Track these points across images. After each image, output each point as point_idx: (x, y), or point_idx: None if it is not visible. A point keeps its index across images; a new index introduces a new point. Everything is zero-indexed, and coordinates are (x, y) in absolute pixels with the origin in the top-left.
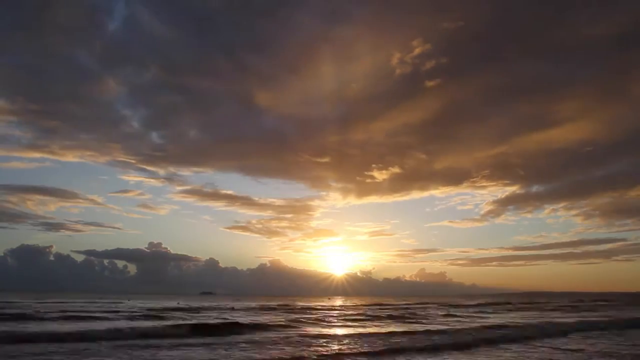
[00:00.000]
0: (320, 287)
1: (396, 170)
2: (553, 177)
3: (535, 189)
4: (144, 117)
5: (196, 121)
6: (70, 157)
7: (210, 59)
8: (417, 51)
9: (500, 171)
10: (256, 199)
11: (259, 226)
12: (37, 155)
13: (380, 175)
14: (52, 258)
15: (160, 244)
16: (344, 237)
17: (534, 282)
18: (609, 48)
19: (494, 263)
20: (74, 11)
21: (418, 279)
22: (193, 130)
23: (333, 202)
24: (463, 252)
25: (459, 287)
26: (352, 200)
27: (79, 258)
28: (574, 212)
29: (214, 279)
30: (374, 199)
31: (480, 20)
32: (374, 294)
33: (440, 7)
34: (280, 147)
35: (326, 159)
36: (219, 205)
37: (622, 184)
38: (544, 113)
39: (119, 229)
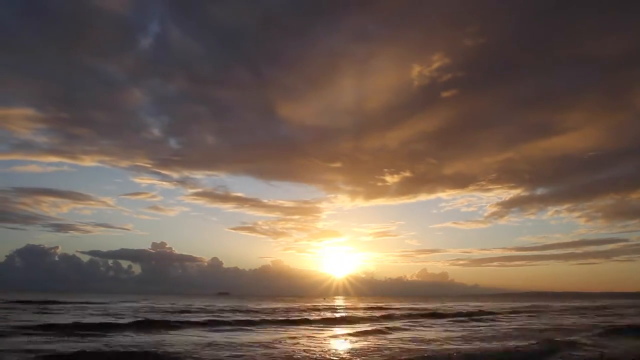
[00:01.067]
0: (321, 287)
1: (407, 174)
2: (557, 180)
3: (539, 191)
4: (165, 125)
5: (214, 128)
6: (89, 162)
7: (234, 72)
8: (436, 65)
9: (506, 175)
10: (265, 201)
11: (266, 227)
12: (55, 159)
13: (391, 179)
14: (57, 258)
15: (164, 244)
16: (348, 238)
17: (536, 282)
18: (614, 65)
19: (495, 263)
20: (109, 29)
21: (420, 279)
22: (210, 136)
23: (341, 204)
24: (466, 252)
25: (460, 287)
26: (360, 203)
27: (85, 258)
28: (576, 213)
29: (217, 279)
30: (381, 201)
31: (496, 38)
32: (376, 295)
33: (462, 26)
34: (293, 152)
35: (338, 164)
36: (227, 207)
37: (624, 186)
38: (550, 122)
39: (127, 230)
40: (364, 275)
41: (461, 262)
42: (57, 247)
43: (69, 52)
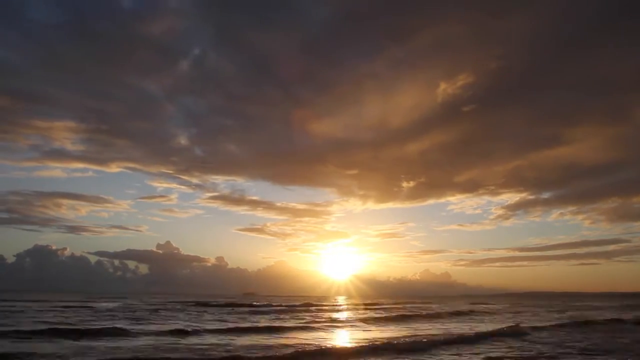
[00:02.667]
0: (323, 287)
1: (422, 180)
2: (562, 184)
3: (545, 195)
4: (193, 135)
5: (239, 139)
6: (114, 168)
7: (264, 90)
8: (460, 83)
9: (514, 180)
10: (278, 203)
11: (274, 229)
12: (81, 165)
13: (406, 185)
14: (64, 259)
15: (170, 244)
16: (354, 239)
17: (539, 283)
18: (618, 87)
19: (497, 264)
20: (152, 52)
21: (423, 280)
22: (234, 145)
23: (352, 207)
24: (469, 253)
25: (463, 287)
26: (371, 206)
27: (93, 259)
28: (581, 216)
29: (222, 279)
30: (391, 205)
31: (516, 61)
32: (379, 295)
33: (488, 49)
34: (311, 160)
35: (354, 171)
36: (240, 210)
37: (627, 190)
38: (558, 134)
39: (140, 231)
40: (367, 275)
41: (464, 262)
42: (65, 248)
43: (114, 71)
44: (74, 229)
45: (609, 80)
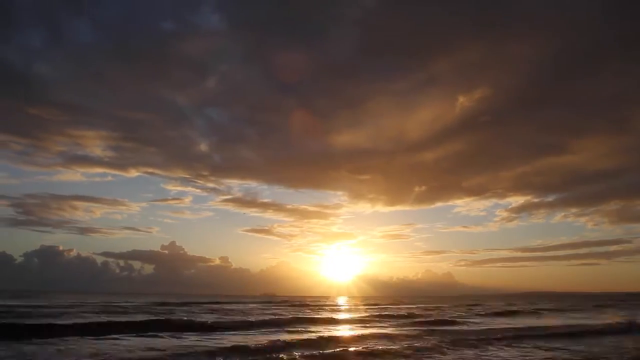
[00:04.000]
0: (325, 287)
1: (433, 184)
2: (567, 189)
3: (549, 198)
4: (213, 143)
5: (257, 145)
6: (133, 173)
7: (286, 102)
8: (478, 96)
9: (520, 184)
10: (288, 205)
11: (281, 230)
12: (100, 170)
13: (418, 189)
14: (70, 259)
15: (175, 245)
16: (360, 240)
17: (539, 283)
18: (621, 101)
19: (499, 264)
20: (185, 69)
21: (424, 279)
22: (251, 152)
23: (361, 209)
24: (471, 253)
25: (464, 287)
26: (380, 208)
27: (100, 259)
28: (583, 218)
29: (226, 279)
30: (400, 207)
31: (528, 77)
32: (382, 295)
33: (503, 68)
34: (325, 165)
35: (367, 176)
36: (250, 211)
37: (629, 193)
38: (564, 144)
39: (149, 232)
40: (370, 276)
41: (466, 262)
42: (71, 249)
43: (149, 86)
44: (85, 230)
45: (613, 95)
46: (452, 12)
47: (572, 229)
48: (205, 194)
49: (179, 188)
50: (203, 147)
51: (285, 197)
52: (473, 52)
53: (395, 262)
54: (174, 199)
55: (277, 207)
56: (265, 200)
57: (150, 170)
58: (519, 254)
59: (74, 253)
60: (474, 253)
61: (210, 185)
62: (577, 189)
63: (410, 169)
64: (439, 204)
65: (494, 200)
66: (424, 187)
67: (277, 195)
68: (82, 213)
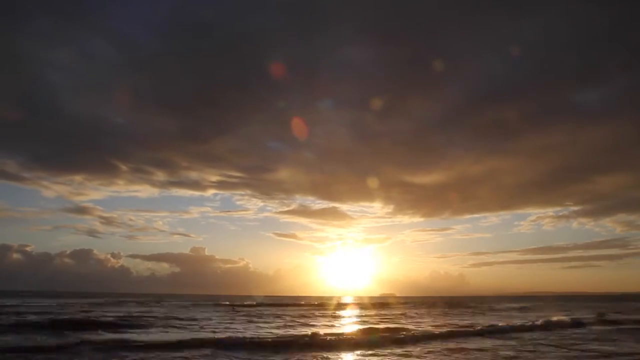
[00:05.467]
0: (332, 287)
1: (473, 203)
2: (586, 202)
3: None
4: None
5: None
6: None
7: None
8: None
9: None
10: (320, 210)
11: (307, 234)
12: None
13: (459, 205)
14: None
15: (203, 248)
16: (382, 245)
17: (537, 284)
18: None
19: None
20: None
21: (437, 281)
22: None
23: (395, 219)
24: (481, 255)
25: (471, 288)
26: (416, 219)
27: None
28: (596, 222)
29: (246, 280)
30: (436, 219)
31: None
32: (386, 294)
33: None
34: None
35: (412, 196)
36: (284, 218)
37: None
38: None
39: (190, 237)
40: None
41: (476, 263)
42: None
43: (203, 84)
44: (131, 237)
45: None
46: None
47: (574, 230)
48: (261, 203)
49: (242, 202)
50: (282, 174)
51: (327, 206)
52: None
53: (408, 263)
54: (241, 210)
55: (307, 212)
56: (315, 208)
57: (221, 192)
58: (532, 256)
59: (103, 256)
60: (483, 254)
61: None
62: (595, 203)
63: (458, 190)
64: (467, 216)
65: (516, 212)
66: (464, 204)
67: (321, 204)
68: (142, 222)
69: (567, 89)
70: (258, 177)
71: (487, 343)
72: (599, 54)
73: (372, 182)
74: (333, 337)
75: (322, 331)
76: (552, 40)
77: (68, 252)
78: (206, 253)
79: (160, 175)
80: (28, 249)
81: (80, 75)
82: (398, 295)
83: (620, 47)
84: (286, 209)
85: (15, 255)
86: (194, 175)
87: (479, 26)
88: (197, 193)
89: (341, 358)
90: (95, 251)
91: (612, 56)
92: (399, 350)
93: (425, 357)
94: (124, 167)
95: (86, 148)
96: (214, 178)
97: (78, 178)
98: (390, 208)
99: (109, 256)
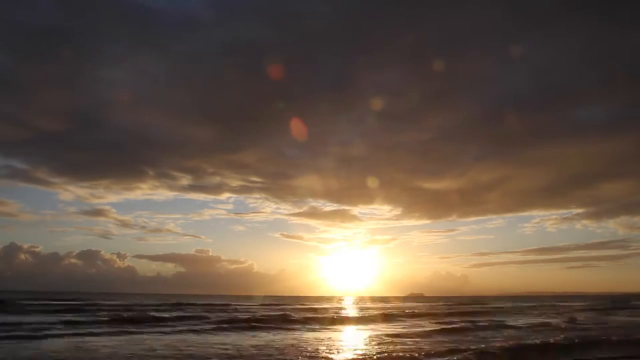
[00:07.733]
0: (333, 287)
1: (483, 206)
2: (590, 205)
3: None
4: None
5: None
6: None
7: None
8: None
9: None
10: (330, 212)
11: (310, 236)
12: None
13: (465, 209)
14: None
15: (208, 250)
16: (384, 247)
17: (540, 284)
18: None
19: (509, 266)
20: None
21: (435, 281)
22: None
23: (402, 222)
24: (482, 255)
25: (471, 289)
26: (421, 221)
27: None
28: (597, 224)
29: (248, 280)
30: (442, 221)
31: None
32: (389, 294)
33: None
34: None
35: (422, 204)
36: (294, 219)
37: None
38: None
39: (199, 238)
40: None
41: (478, 264)
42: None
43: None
44: (142, 238)
45: None
46: None
47: (575, 231)
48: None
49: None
50: (299, 181)
51: (337, 209)
52: None
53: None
54: (254, 212)
55: (318, 214)
56: (325, 210)
57: (235, 196)
58: (534, 257)
59: (109, 256)
60: (485, 255)
61: (288, 204)
62: (599, 205)
63: (468, 196)
64: (472, 218)
65: (520, 214)
66: (471, 207)
67: (331, 207)
68: (155, 223)
69: (572, 105)
70: (276, 183)
71: None
72: (604, 72)
73: (384, 188)
74: None
75: None
76: (559, 56)
77: (75, 252)
78: (211, 254)
79: (184, 181)
80: (37, 249)
81: (128, 90)
82: (426, 295)
83: (623, 65)
84: (297, 211)
85: (25, 256)
86: (216, 179)
87: (493, 44)
88: (210, 196)
89: None
90: (102, 252)
91: (615, 74)
92: None
93: None
94: (150, 172)
95: (118, 155)
96: (235, 183)
97: (104, 182)
98: (398, 210)
99: (114, 257)
